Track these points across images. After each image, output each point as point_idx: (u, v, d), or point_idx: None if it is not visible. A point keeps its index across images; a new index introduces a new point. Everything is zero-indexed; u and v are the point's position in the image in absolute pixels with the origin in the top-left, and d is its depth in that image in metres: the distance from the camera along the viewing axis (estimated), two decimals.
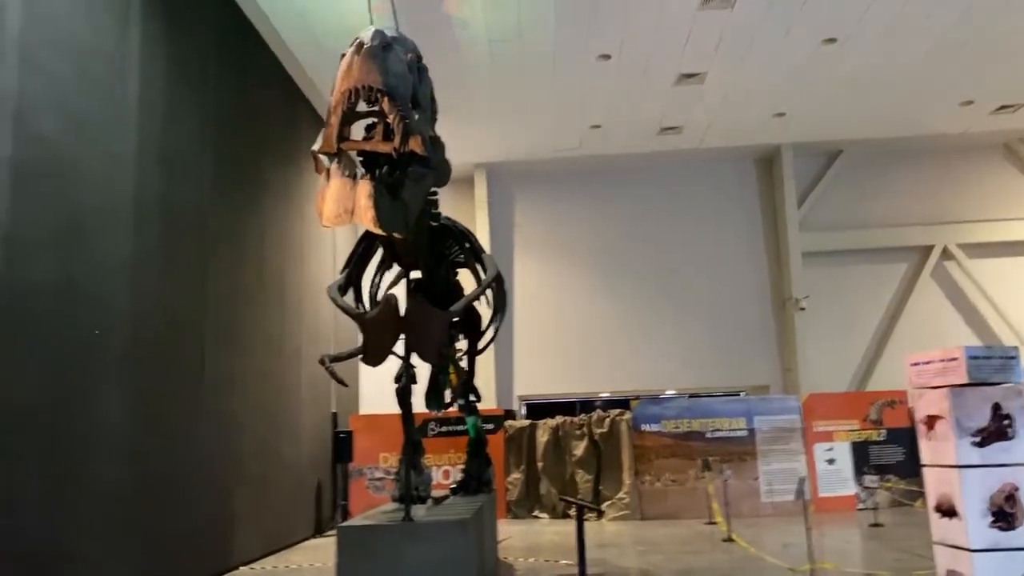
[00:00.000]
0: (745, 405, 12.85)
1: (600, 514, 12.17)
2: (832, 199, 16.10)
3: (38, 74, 5.71)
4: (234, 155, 9.36)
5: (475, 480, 8.05)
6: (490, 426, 13.12)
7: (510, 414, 14.22)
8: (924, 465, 5.31)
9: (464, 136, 14.54)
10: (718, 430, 12.50)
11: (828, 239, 15.86)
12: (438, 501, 7.05)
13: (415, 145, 4.19)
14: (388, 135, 4.21)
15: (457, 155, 15.13)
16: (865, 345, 15.69)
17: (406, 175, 4.26)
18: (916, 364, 5.45)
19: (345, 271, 6.10)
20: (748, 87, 12.92)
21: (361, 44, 3.87)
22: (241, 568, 8.76)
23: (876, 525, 10.65)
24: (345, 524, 5.53)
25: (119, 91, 6.86)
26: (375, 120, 4.35)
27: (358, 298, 6.49)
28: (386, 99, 3.77)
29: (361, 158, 4.54)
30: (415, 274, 6.71)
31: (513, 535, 10.93)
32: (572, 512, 8.04)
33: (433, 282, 6.77)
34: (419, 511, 6.27)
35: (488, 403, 14.85)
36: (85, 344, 6.16)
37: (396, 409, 7.27)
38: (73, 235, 6.10)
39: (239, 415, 9.09)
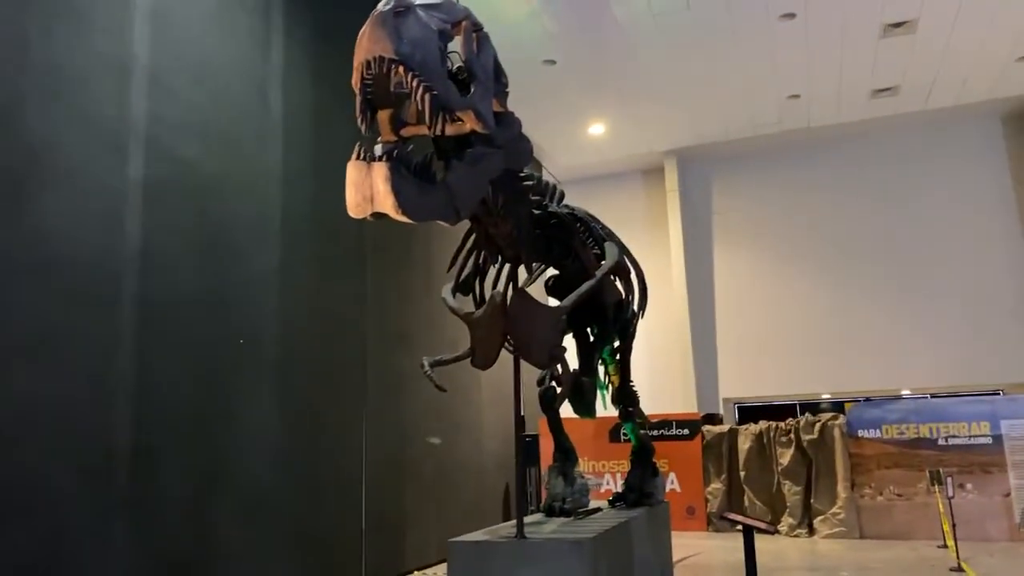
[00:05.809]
0: (989, 407, 10.73)
1: (776, 532, 10.84)
2: None
3: (173, 99, 6.01)
4: None
5: (636, 492, 7.36)
6: (685, 431, 12.24)
7: (711, 418, 13.15)
8: None
9: (647, 122, 13.80)
10: (954, 436, 10.55)
11: None
12: (584, 515, 6.46)
13: (470, 121, 3.69)
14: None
15: (642, 143, 14.72)
16: None
17: (460, 156, 3.78)
18: None
19: (452, 269, 5.72)
20: (974, 29, 10.85)
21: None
22: (415, 573, 8.75)
23: None
24: (456, 539, 5.16)
25: (262, 106, 7.11)
26: None
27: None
28: (401, 69, 3.28)
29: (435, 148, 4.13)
30: (550, 271, 6.27)
31: (706, 551, 9.99)
32: (739, 528, 7.07)
33: (567, 279, 6.25)
34: (548, 527, 5.76)
35: (687, 407, 13.94)
36: (236, 353, 6.40)
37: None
38: (216, 249, 6.35)
39: (409, 417, 9.14)
